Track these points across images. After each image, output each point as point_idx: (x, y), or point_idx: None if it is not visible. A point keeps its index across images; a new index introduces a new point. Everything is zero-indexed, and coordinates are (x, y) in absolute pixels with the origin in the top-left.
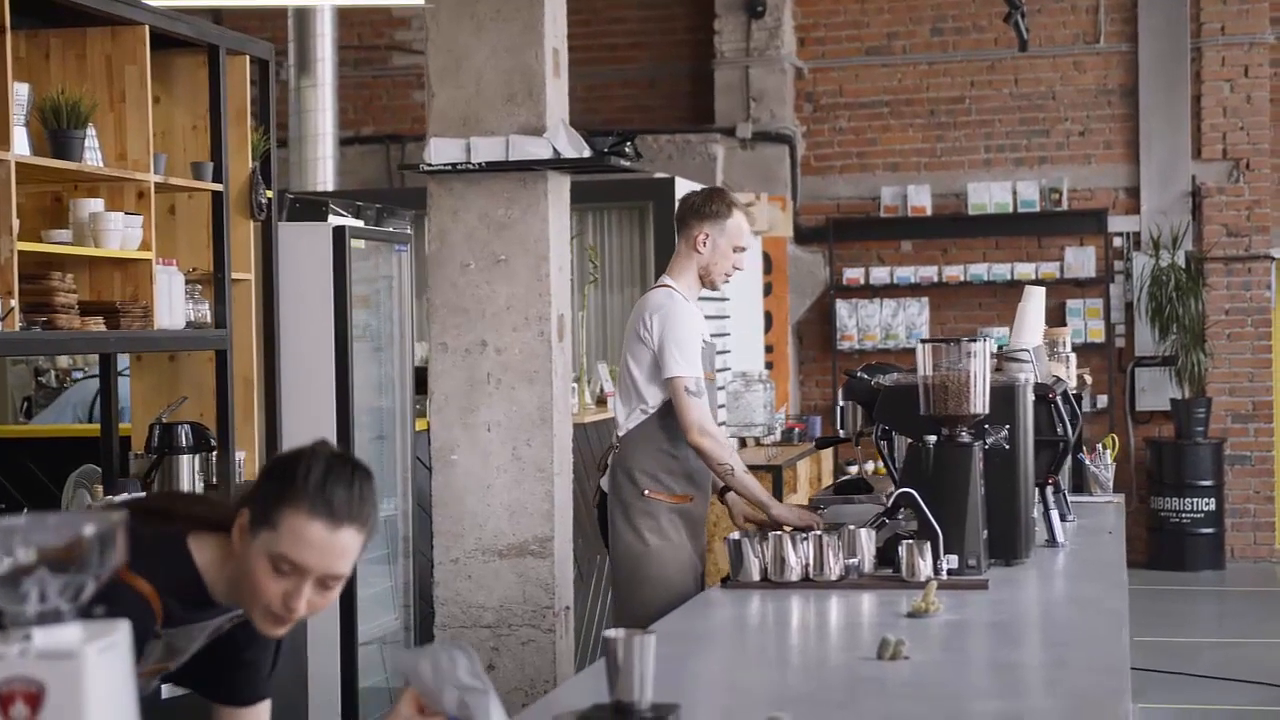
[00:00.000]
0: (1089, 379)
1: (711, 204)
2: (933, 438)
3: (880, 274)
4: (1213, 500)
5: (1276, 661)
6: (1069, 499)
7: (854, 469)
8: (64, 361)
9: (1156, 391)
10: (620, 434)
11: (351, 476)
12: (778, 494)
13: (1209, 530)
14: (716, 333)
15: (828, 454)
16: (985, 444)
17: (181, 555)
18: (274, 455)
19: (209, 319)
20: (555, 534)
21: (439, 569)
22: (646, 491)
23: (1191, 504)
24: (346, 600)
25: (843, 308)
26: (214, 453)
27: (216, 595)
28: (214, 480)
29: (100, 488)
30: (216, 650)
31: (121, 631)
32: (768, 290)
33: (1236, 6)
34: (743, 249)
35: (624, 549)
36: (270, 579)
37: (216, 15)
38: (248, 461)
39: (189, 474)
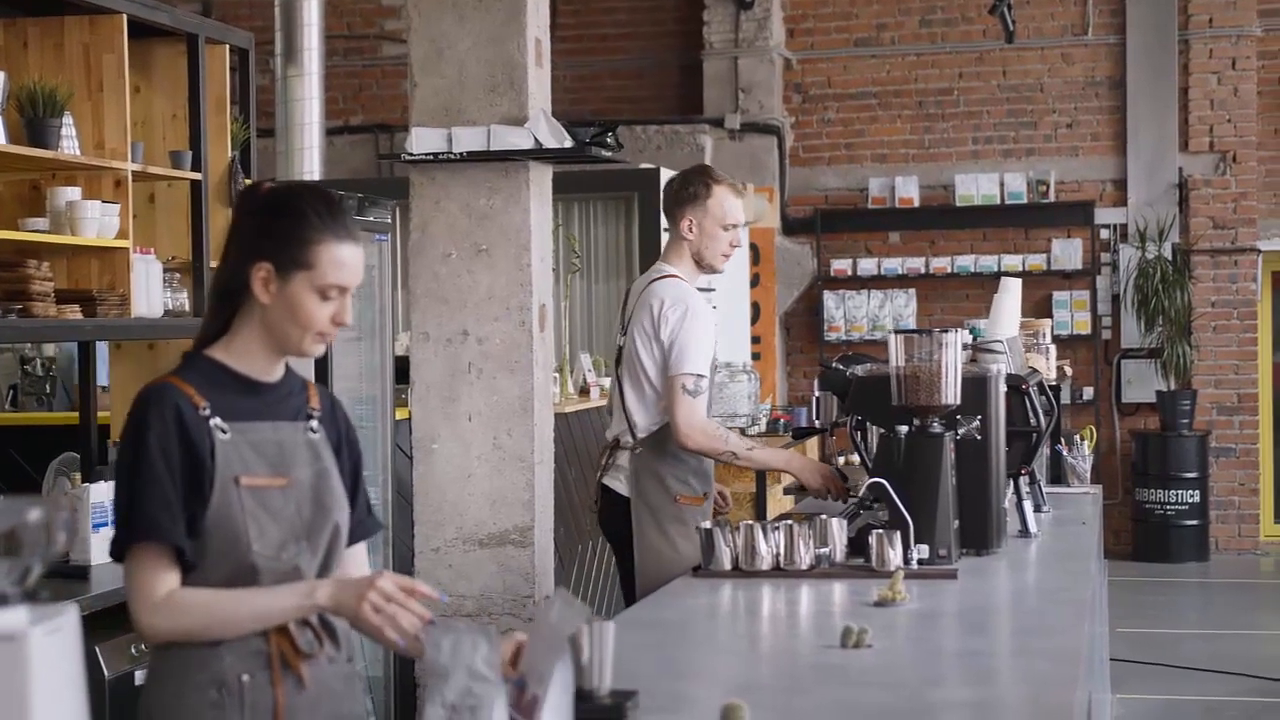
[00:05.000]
0: (1069, 371)
1: (688, 187)
2: (904, 428)
3: (868, 265)
4: (1197, 492)
5: (1258, 652)
6: (1045, 490)
7: (841, 460)
8: (50, 349)
9: (1142, 383)
10: (640, 435)
11: (338, 200)
12: (761, 485)
13: (1194, 522)
14: None
15: (816, 444)
16: (957, 434)
17: (202, 360)
18: (251, 201)
19: (187, 307)
20: (536, 523)
21: (420, 558)
22: (679, 497)
23: (1176, 496)
24: None
25: (830, 299)
26: None
27: (254, 372)
28: None
29: (79, 475)
30: None
31: (69, 615)
32: (755, 281)
33: None
34: (733, 226)
35: (653, 555)
36: (318, 307)
37: (206, 5)
38: None
39: None
